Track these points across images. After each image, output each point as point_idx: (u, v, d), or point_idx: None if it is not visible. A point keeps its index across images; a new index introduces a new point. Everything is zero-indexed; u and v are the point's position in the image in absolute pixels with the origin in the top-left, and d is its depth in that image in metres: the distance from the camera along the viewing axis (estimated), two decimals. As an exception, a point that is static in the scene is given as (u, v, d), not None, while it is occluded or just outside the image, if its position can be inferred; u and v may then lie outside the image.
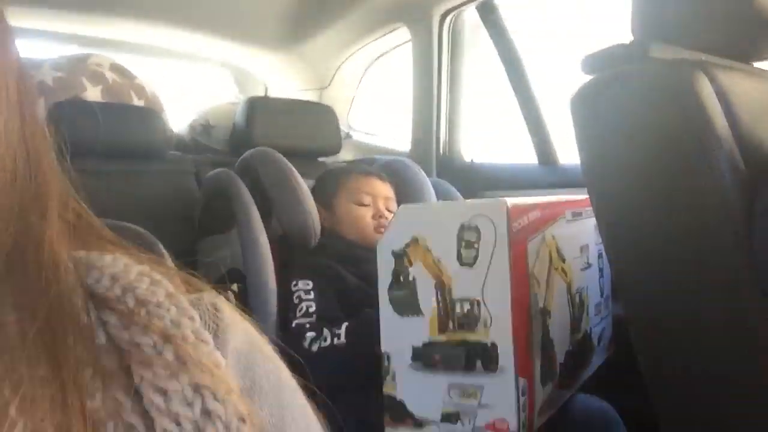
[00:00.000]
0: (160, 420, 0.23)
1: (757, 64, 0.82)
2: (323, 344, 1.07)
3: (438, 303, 0.73)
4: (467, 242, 0.71)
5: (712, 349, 0.69)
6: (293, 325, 1.12)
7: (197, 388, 0.24)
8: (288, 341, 1.12)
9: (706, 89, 0.66)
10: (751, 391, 0.67)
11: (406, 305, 0.75)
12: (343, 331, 1.07)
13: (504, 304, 0.70)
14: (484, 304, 0.71)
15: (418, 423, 0.75)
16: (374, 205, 1.31)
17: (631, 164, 0.72)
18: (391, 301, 0.76)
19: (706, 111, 0.65)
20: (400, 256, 0.75)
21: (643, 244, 0.73)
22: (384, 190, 1.35)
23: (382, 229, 1.27)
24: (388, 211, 1.32)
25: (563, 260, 0.85)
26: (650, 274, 0.73)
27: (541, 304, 0.77)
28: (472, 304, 0.71)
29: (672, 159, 0.67)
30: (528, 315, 0.73)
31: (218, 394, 0.24)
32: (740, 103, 0.67)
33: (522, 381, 0.70)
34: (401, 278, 0.75)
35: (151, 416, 0.23)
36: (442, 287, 0.73)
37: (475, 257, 0.71)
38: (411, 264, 0.75)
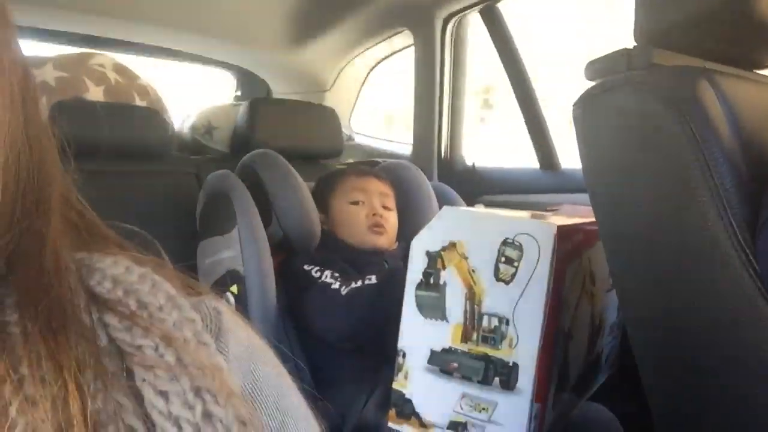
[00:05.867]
0: (161, 422, 0.23)
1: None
2: (354, 285, 1.06)
3: (465, 312, 0.71)
4: (507, 258, 0.69)
5: (711, 355, 0.69)
6: (319, 282, 1.11)
7: (198, 391, 0.23)
8: (312, 297, 1.11)
9: (709, 96, 0.66)
10: (751, 397, 0.67)
11: (432, 308, 0.74)
12: (374, 275, 1.07)
13: (534, 327, 0.68)
14: (513, 323, 0.69)
15: (424, 425, 0.74)
16: (368, 203, 1.30)
17: (633, 170, 0.72)
18: (417, 300, 0.74)
19: (709, 118, 0.65)
20: (434, 258, 0.73)
21: (643, 250, 0.73)
22: (379, 186, 1.34)
23: (377, 228, 1.27)
24: (385, 208, 1.31)
25: (593, 283, 0.83)
26: (651, 281, 0.73)
27: (566, 328, 0.75)
28: (500, 321, 0.69)
29: (674, 166, 0.67)
30: (554, 340, 0.71)
31: (219, 397, 0.24)
32: (743, 110, 0.67)
33: (536, 406, 0.69)
34: (431, 280, 0.73)
35: (152, 419, 0.23)
36: (472, 298, 0.71)
37: (513, 275, 0.69)
38: (444, 267, 0.73)
